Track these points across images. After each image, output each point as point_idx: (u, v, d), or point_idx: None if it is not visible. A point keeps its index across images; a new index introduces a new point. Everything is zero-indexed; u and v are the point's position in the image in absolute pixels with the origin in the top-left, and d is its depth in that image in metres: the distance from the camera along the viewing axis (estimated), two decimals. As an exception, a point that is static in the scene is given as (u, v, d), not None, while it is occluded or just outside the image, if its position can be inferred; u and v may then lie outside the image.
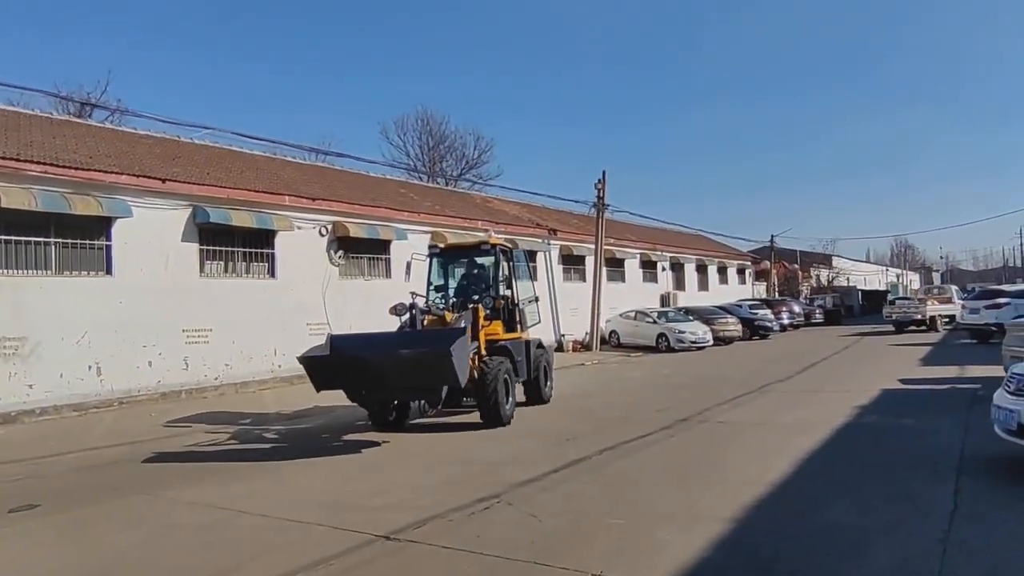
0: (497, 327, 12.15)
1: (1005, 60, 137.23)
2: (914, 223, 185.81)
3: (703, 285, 41.77)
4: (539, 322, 14.44)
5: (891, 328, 32.96)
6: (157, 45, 76.16)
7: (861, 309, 54.95)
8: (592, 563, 5.01)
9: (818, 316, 42.73)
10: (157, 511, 6.89)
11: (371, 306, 18.22)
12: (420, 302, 11.60)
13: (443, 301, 12.75)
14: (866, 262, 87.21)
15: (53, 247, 13.84)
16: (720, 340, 28.09)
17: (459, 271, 13.50)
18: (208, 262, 16.59)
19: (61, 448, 10.35)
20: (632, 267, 34.16)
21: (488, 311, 11.92)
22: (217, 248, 16.78)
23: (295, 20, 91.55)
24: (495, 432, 10.70)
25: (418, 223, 22.09)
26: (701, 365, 20.74)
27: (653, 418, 11.22)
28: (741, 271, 48.98)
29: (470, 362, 10.23)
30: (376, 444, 10.14)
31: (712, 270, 43.60)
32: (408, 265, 12.44)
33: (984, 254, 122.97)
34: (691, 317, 28.74)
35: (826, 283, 62.12)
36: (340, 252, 19.54)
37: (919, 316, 32.73)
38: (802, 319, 39.42)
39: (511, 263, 13.21)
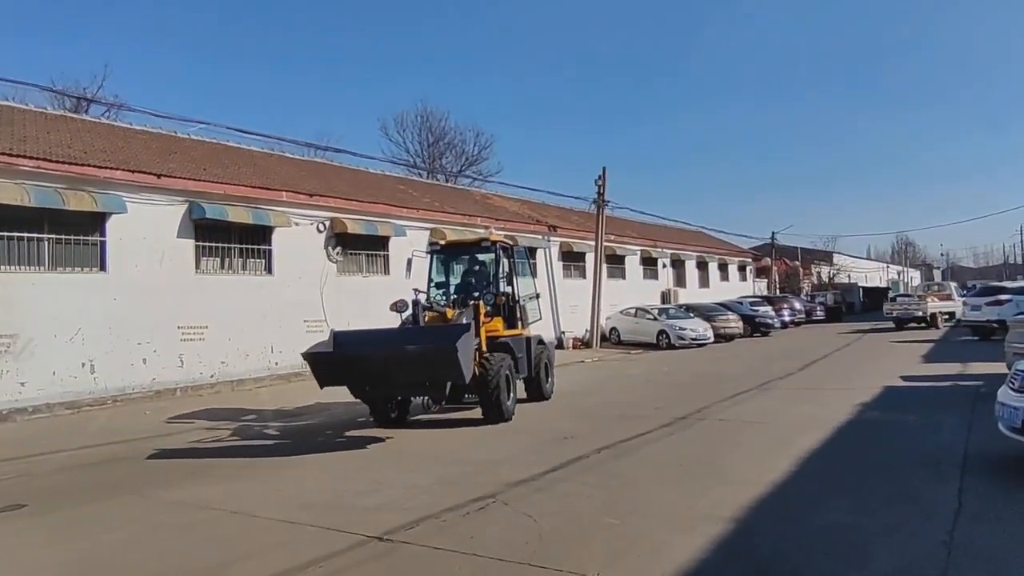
0: (497, 324, 12.17)
1: (1009, 60, 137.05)
2: (915, 221, 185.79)
3: (704, 282, 41.64)
4: (540, 319, 14.48)
5: (892, 325, 32.84)
6: (156, 42, 76.01)
7: (862, 306, 54.86)
8: (588, 565, 4.89)
9: (819, 313, 42.62)
10: (145, 511, 6.76)
11: (369, 303, 18.16)
12: (422, 299, 11.61)
13: (444, 298, 12.77)
14: (867, 259, 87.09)
15: (46, 243, 13.71)
16: (721, 337, 27.96)
17: (460, 268, 13.54)
18: (204, 258, 16.45)
19: (52, 447, 10.23)
20: (632, 264, 34.03)
21: (489, 308, 11.97)
22: (213, 244, 16.64)
23: (295, 17, 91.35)
24: (494, 429, 10.66)
25: (417, 219, 21.95)
26: (701, 362, 20.62)
27: (652, 416, 11.10)
28: (742, 268, 48.85)
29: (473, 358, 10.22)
30: (376, 441, 10.06)
31: (713, 267, 43.46)
32: (409, 262, 12.41)
33: (984, 251, 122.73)
34: (692, 314, 28.63)
35: (827, 280, 62.01)
36: (338, 249, 19.41)
37: (920, 313, 32.62)
38: (803, 316, 39.31)
39: (512, 260, 13.25)
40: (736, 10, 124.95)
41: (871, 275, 77.10)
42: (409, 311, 11.18)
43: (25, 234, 13.43)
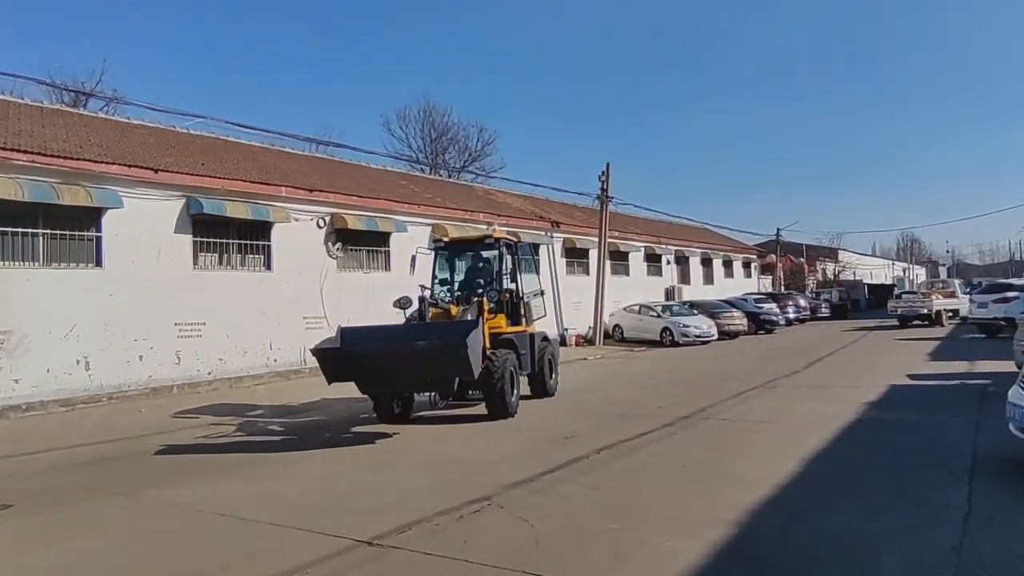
0: (501, 320, 12.20)
1: (1011, 59, 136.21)
2: (918, 219, 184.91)
3: (708, 279, 41.39)
4: (545, 315, 14.54)
5: (897, 323, 32.56)
6: (155, 38, 75.91)
7: (868, 303, 54.56)
8: (585, 572, 4.73)
9: (824, 310, 42.32)
10: (132, 513, 6.60)
11: (370, 300, 18.00)
12: (428, 295, 11.68)
13: (448, 295, 12.81)
14: (872, 256, 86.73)
15: (41, 238, 13.54)
16: (725, 334, 27.76)
17: (464, 265, 13.61)
18: (202, 254, 16.28)
19: (44, 445, 10.08)
20: (636, 260, 33.81)
21: (492, 304, 12.01)
22: (211, 240, 16.46)
23: (297, 15, 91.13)
24: (495, 426, 10.60)
25: (418, 215, 21.75)
26: (705, 360, 20.42)
27: (655, 415, 10.92)
28: (747, 265, 48.56)
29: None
30: (380, 437, 10.00)
31: (717, 264, 43.20)
32: (413, 259, 12.42)
33: (990, 248, 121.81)
34: (695, 311, 28.40)
35: (832, 277, 61.68)
36: (338, 244, 19.22)
37: (924, 311, 32.30)
38: (808, 313, 39.01)
39: (516, 256, 13.26)
40: (738, 10, 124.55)
41: (876, 272, 76.76)
42: (414, 307, 11.31)
43: (20, 229, 13.26)
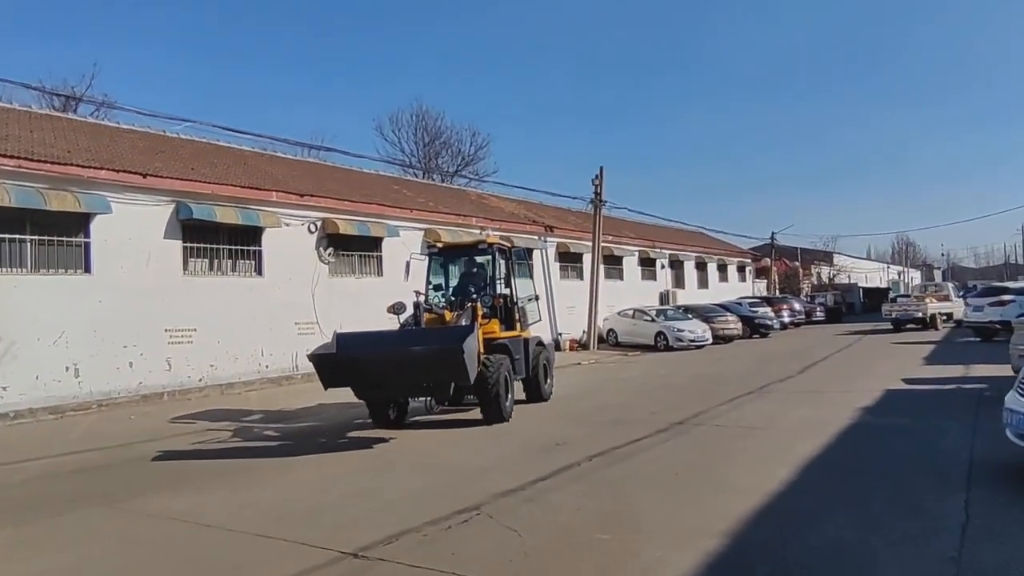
0: (494, 325, 12.22)
1: (1011, 59, 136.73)
2: (915, 221, 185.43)
3: (703, 283, 41.37)
4: (540, 320, 14.61)
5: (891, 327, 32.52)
6: (147, 41, 75.54)
7: (862, 307, 54.61)
8: (574, 585, 4.61)
9: (819, 314, 42.33)
10: (116, 525, 6.47)
11: (362, 305, 17.89)
12: (423, 301, 11.75)
13: (442, 300, 12.86)
14: (867, 259, 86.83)
15: (29, 244, 13.40)
16: (720, 339, 27.69)
17: (457, 270, 13.64)
18: (192, 260, 16.14)
19: (31, 454, 9.93)
20: (630, 265, 33.74)
21: (486, 310, 12.04)
22: (201, 245, 16.31)
23: (291, 16, 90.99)
24: (488, 432, 10.57)
25: (411, 220, 21.61)
26: (699, 364, 20.34)
27: (648, 421, 10.82)
28: (741, 268, 48.57)
29: None
30: (375, 443, 9.96)
31: (712, 268, 43.19)
32: (407, 265, 12.37)
33: (985, 251, 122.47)
34: (690, 315, 28.36)
35: (827, 281, 61.76)
36: (330, 250, 19.10)
37: (919, 314, 32.25)
38: (803, 317, 39.00)
39: (510, 261, 13.29)
40: (736, 10, 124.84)
41: (871, 275, 76.89)
42: (409, 313, 11.40)
43: (7, 235, 13.12)
